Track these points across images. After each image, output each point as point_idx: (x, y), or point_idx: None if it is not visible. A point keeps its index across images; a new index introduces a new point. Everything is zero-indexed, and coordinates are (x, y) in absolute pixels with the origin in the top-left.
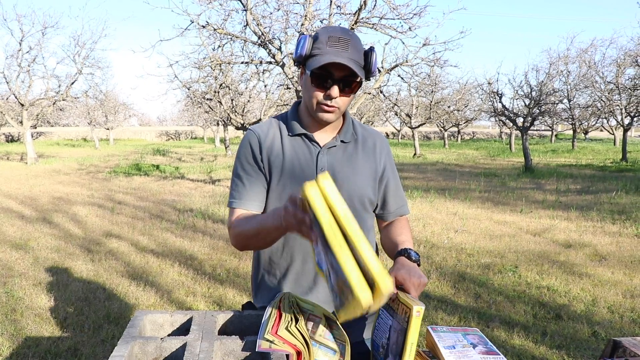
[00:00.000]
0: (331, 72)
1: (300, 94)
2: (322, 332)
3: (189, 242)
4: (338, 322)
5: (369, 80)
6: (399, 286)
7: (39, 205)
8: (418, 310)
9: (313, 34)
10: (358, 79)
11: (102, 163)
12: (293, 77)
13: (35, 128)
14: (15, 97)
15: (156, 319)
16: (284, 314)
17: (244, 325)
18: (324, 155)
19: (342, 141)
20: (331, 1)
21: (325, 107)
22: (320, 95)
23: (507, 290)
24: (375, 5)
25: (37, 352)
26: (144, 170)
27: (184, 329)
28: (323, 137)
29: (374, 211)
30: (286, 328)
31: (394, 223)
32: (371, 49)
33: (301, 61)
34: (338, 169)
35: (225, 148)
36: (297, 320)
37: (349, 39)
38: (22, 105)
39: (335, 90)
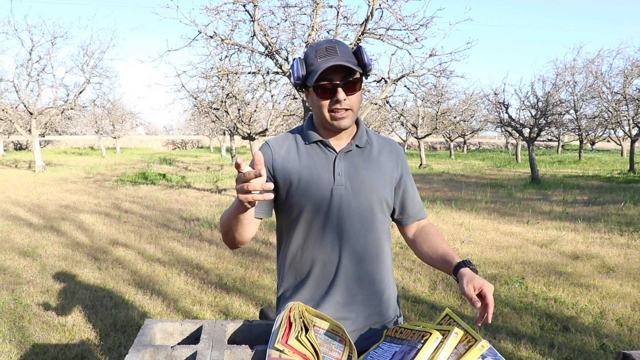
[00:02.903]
0: (330, 78)
1: (310, 110)
2: (330, 343)
3: (195, 251)
4: (346, 334)
5: (368, 75)
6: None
7: (46, 213)
8: (482, 345)
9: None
10: (357, 74)
11: (109, 171)
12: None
13: (44, 136)
14: (25, 106)
15: (166, 327)
16: (294, 324)
17: (253, 334)
18: (341, 160)
19: (357, 146)
20: (338, 12)
21: (339, 114)
22: (328, 103)
23: (514, 301)
24: (382, 17)
25: None
26: (151, 179)
27: (193, 338)
28: (338, 143)
29: (392, 217)
30: (296, 338)
31: (425, 230)
32: (359, 47)
33: (301, 83)
34: (355, 172)
35: (232, 157)
36: (307, 330)
37: (334, 45)
38: (31, 113)
39: (340, 93)
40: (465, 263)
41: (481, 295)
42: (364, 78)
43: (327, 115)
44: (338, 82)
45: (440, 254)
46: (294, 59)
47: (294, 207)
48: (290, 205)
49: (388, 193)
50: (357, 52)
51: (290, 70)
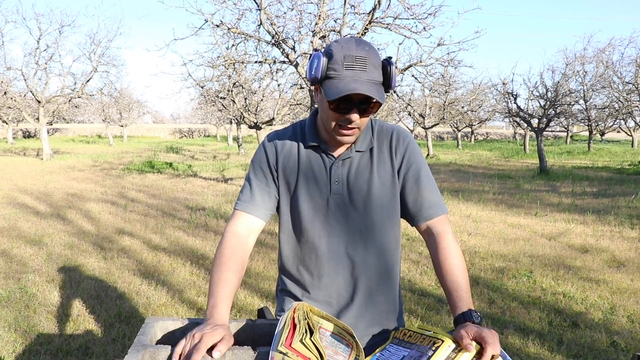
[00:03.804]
0: (350, 97)
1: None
2: (336, 346)
3: (201, 241)
4: (354, 337)
5: (389, 93)
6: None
7: (53, 201)
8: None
9: (324, 49)
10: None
11: (115, 160)
12: (306, 77)
13: (51, 125)
14: (32, 94)
15: (167, 326)
16: (298, 325)
17: (256, 334)
18: (338, 167)
19: (357, 151)
20: (345, 1)
21: (345, 131)
22: (338, 117)
23: (522, 295)
24: (389, 5)
25: (49, 350)
26: (157, 168)
27: None
28: (338, 148)
29: (403, 216)
30: (301, 340)
31: (443, 247)
32: (389, 61)
33: (316, 82)
34: (353, 179)
35: (238, 146)
36: (312, 333)
37: (366, 57)
38: (39, 102)
39: (355, 116)
40: (464, 318)
41: (478, 342)
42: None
43: (333, 128)
44: (356, 103)
45: (447, 287)
46: (315, 53)
47: (290, 215)
48: (286, 211)
49: (390, 197)
50: (386, 68)
51: (309, 63)
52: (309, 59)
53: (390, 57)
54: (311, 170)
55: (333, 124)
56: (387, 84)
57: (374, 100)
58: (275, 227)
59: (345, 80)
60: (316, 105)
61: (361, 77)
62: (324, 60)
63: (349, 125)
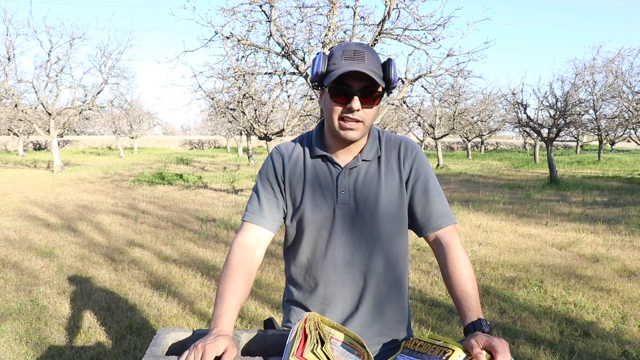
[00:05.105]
0: (350, 84)
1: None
2: (347, 357)
3: (212, 252)
4: (365, 347)
5: (390, 92)
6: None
7: (64, 213)
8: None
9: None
10: (379, 89)
11: (126, 172)
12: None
13: (62, 137)
14: (43, 107)
15: (179, 337)
16: (309, 336)
17: (267, 345)
18: (345, 177)
19: (363, 160)
20: (355, 12)
21: (349, 124)
22: (340, 109)
23: (533, 305)
24: (399, 17)
25: None
26: (168, 179)
27: None
28: (345, 157)
29: (412, 227)
30: (312, 351)
31: (451, 257)
32: (389, 60)
33: (318, 80)
34: (360, 189)
35: (248, 157)
36: (323, 343)
37: (364, 51)
38: (50, 114)
39: (356, 101)
40: (475, 326)
41: (488, 351)
42: (385, 94)
43: (336, 122)
44: (356, 90)
45: (456, 296)
46: (317, 53)
47: (296, 225)
48: (293, 222)
49: (397, 207)
50: (386, 65)
51: (311, 64)
52: (312, 60)
53: (391, 58)
54: (318, 180)
55: (336, 118)
56: (388, 78)
57: (376, 90)
58: None
59: (344, 67)
60: (323, 118)
61: (359, 65)
62: (324, 57)
63: (352, 116)
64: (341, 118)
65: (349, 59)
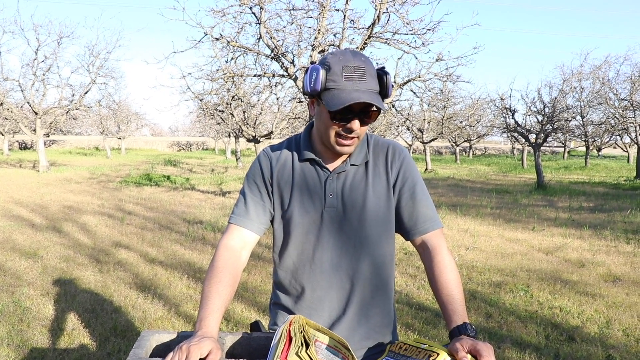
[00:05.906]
0: (351, 106)
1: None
2: (331, 358)
3: (198, 254)
4: (350, 350)
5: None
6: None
7: (49, 213)
8: None
9: (319, 61)
10: (377, 107)
11: (113, 172)
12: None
13: (48, 136)
14: (30, 106)
15: (163, 339)
16: (294, 338)
17: (252, 347)
18: (333, 180)
19: (352, 164)
20: (345, 16)
21: (345, 141)
22: (339, 129)
23: (519, 310)
24: (388, 20)
25: None
26: (155, 181)
27: None
28: (333, 161)
29: (399, 231)
30: (296, 353)
31: (438, 261)
32: (384, 71)
33: (315, 95)
34: (348, 192)
35: (237, 160)
36: (307, 346)
37: (364, 67)
38: (36, 113)
39: (356, 124)
40: (460, 330)
41: (473, 355)
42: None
43: (332, 138)
44: (356, 112)
45: (442, 301)
46: (312, 66)
47: (284, 229)
48: (280, 225)
49: (384, 211)
50: (382, 78)
51: (305, 76)
52: (306, 71)
53: (383, 67)
54: (306, 184)
55: (333, 134)
56: (384, 92)
57: (374, 109)
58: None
59: (347, 91)
60: (311, 121)
61: (361, 87)
62: (322, 72)
63: (350, 135)
64: (338, 135)
65: (349, 78)
